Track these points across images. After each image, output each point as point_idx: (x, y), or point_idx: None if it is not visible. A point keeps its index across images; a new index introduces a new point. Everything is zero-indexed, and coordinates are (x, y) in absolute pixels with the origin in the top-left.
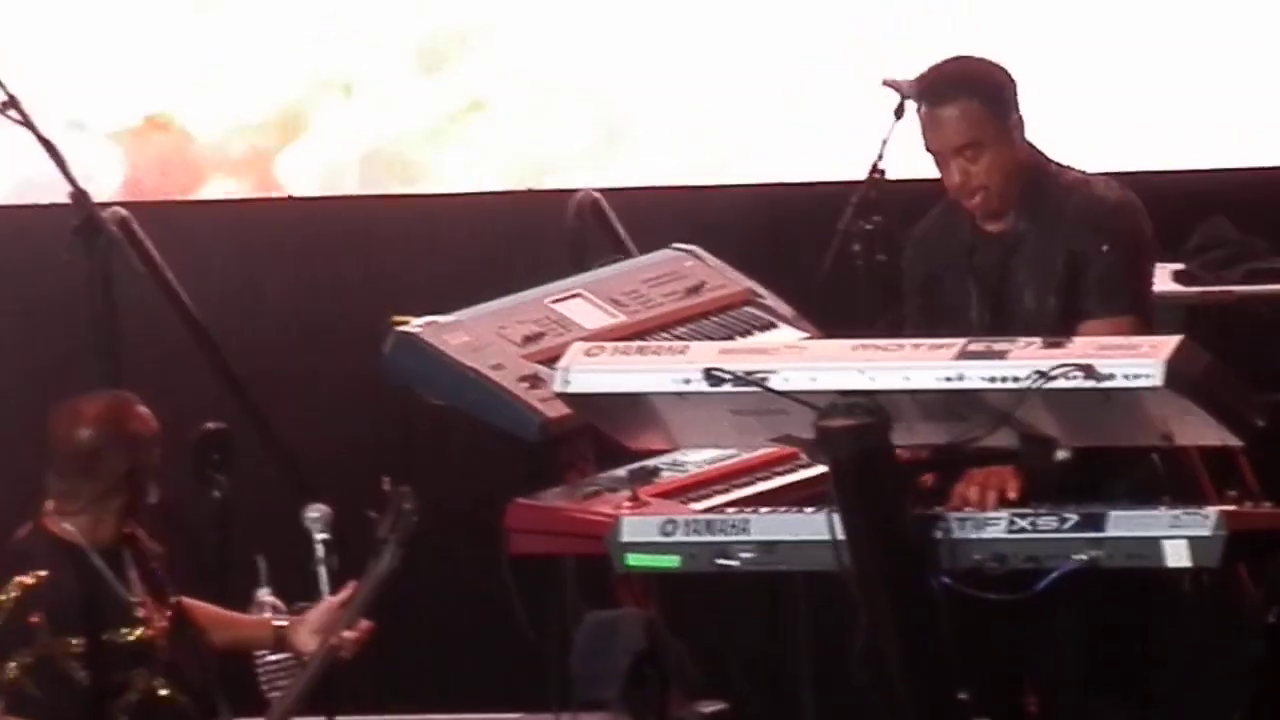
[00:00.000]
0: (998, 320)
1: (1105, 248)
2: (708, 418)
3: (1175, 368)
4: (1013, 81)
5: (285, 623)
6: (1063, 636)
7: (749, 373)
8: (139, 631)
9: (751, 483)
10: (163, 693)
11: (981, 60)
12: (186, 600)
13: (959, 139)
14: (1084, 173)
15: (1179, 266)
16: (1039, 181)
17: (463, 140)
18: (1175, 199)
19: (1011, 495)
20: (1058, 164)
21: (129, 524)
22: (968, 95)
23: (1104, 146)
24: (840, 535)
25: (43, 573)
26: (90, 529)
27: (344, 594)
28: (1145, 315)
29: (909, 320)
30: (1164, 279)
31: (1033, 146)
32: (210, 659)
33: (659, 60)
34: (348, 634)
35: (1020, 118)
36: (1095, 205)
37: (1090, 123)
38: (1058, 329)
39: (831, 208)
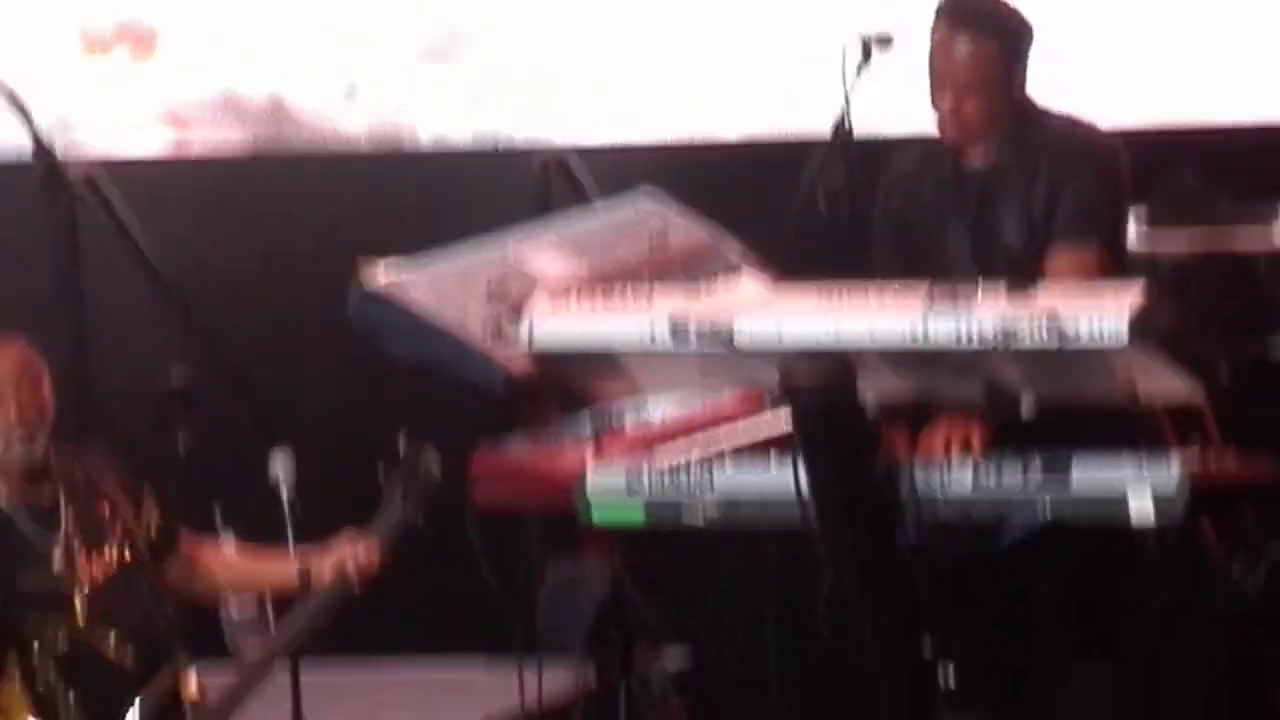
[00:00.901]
0: (977, 255)
1: (1083, 177)
2: (673, 368)
3: (1140, 323)
4: (1032, 34)
5: (310, 560)
6: (1026, 592)
7: (714, 328)
8: (54, 579)
9: (719, 430)
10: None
11: (1011, 4)
12: (192, 540)
13: (965, 75)
14: (1068, 116)
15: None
16: (1025, 122)
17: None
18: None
19: (976, 445)
20: (1044, 108)
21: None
22: (990, 34)
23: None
24: (805, 491)
25: None
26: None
27: (357, 538)
28: (1116, 249)
29: (879, 261)
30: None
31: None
32: (166, 606)
33: (624, 13)
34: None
35: (1025, 70)
36: (1079, 141)
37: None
38: (1037, 265)
39: (798, 161)
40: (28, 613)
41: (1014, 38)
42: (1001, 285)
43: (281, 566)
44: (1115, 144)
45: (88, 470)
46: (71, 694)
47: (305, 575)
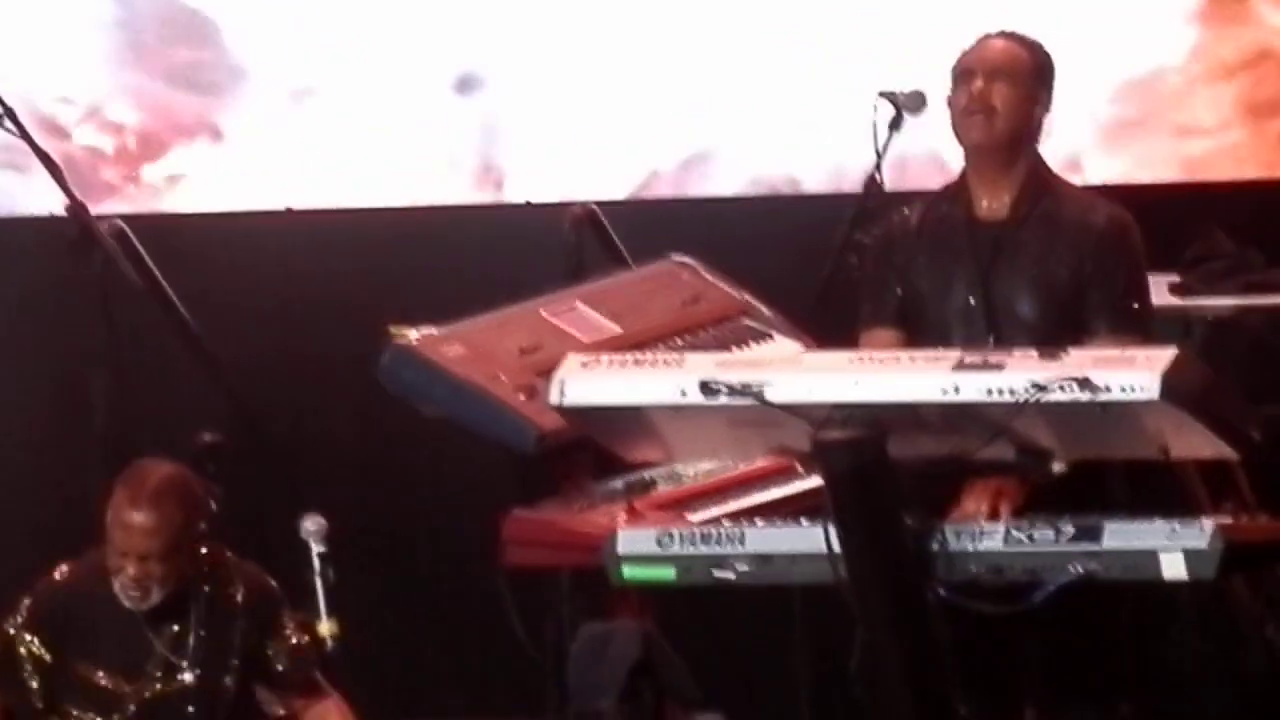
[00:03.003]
0: (988, 314)
1: (1115, 268)
2: (704, 429)
3: (1172, 380)
4: (1054, 72)
5: None
6: (1060, 648)
7: (745, 385)
8: (113, 681)
9: (748, 494)
10: None
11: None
12: (322, 690)
13: (997, 60)
14: (1080, 187)
15: (1174, 279)
16: (1040, 183)
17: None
18: (1171, 211)
19: (1009, 508)
20: (1057, 175)
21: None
22: (1023, 45)
23: (1102, 159)
24: (837, 548)
25: (62, 570)
26: None
27: None
28: (1150, 333)
29: (877, 313)
30: (1160, 291)
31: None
32: None
33: (655, 70)
34: None
35: (1047, 107)
36: (1106, 224)
37: (1087, 134)
38: (1054, 339)
39: (828, 219)
40: (79, 701)
41: (1043, 61)
42: (1027, 346)
43: None
44: (1131, 221)
45: (226, 588)
46: None
47: None
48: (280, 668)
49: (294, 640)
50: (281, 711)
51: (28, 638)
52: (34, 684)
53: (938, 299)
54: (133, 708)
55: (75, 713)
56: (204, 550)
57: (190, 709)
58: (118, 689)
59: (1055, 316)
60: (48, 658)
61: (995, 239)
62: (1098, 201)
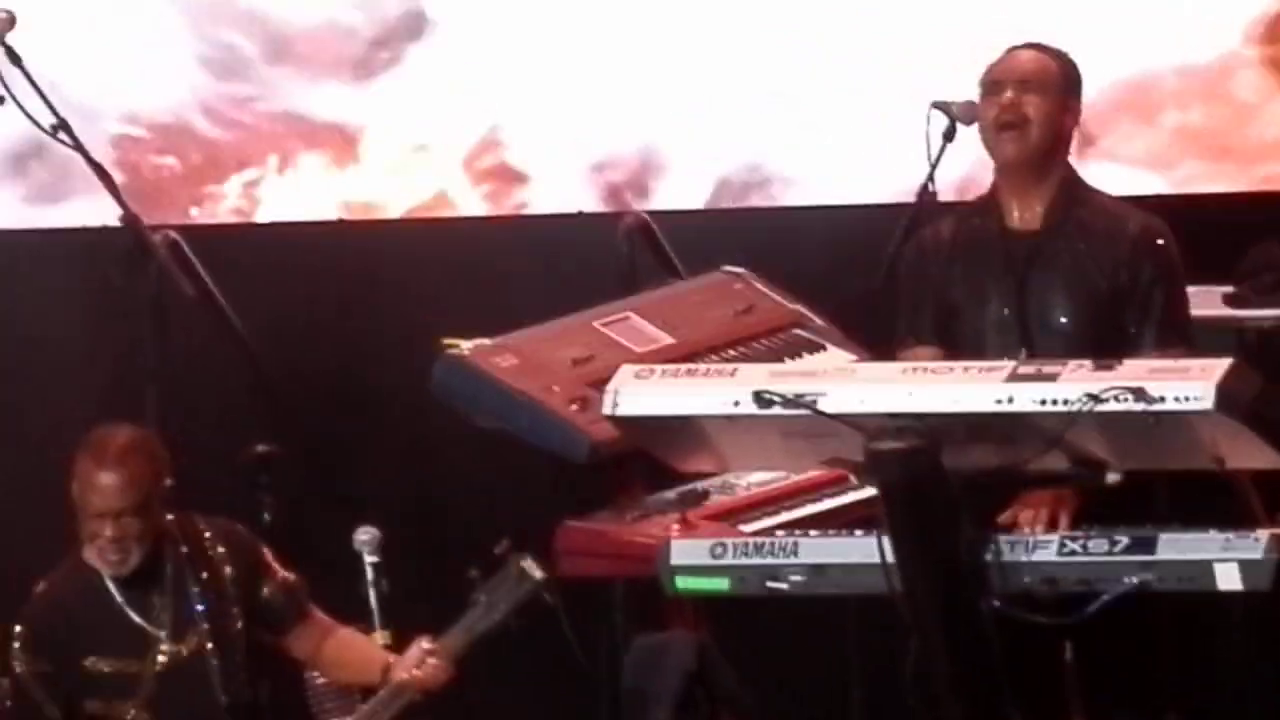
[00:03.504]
0: (1022, 323)
1: (1155, 279)
2: (757, 440)
3: (1226, 391)
4: (1082, 83)
5: (392, 660)
6: (1107, 657)
7: (798, 395)
8: (121, 664)
9: (801, 505)
10: None
11: None
12: (319, 616)
13: (1028, 69)
14: (1113, 196)
15: (1229, 289)
16: (1072, 192)
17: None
18: (1226, 222)
19: (1065, 519)
20: (1090, 185)
21: (175, 544)
22: (1052, 56)
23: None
24: (890, 558)
25: (41, 587)
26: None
27: (435, 641)
28: (1194, 341)
29: (914, 326)
30: (1214, 302)
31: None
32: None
33: (709, 81)
34: (418, 673)
35: (1077, 116)
36: (1140, 233)
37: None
38: (1091, 350)
39: (881, 230)
40: (97, 694)
41: (1072, 70)
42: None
43: (373, 656)
44: (1168, 231)
45: (201, 545)
46: None
47: (385, 671)
48: (276, 605)
49: (281, 574)
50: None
51: (34, 670)
52: (54, 712)
53: (972, 312)
54: (153, 683)
55: (99, 705)
56: (170, 516)
57: (212, 664)
58: (128, 670)
59: (1091, 326)
60: (56, 675)
61: (1028, 250)
62: (1131, 210)
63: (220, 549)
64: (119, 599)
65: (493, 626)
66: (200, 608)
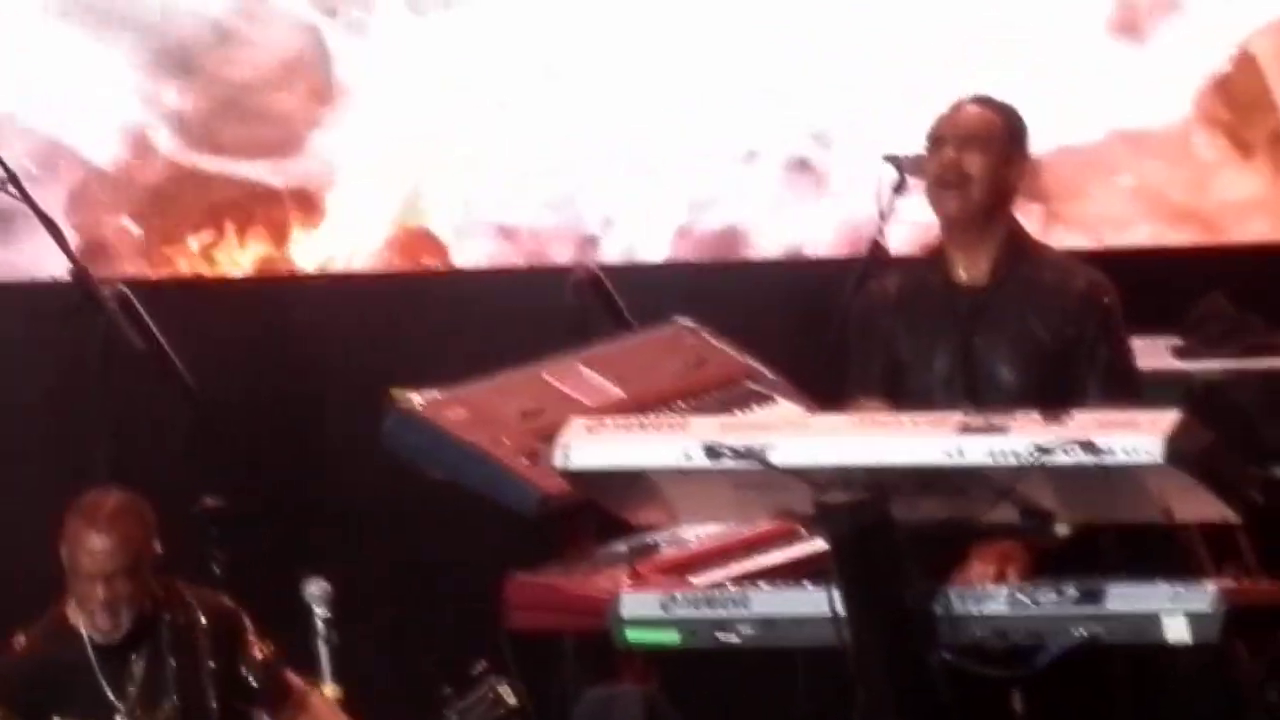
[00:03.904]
0: (968, 378)
1: (1100, 334)
2: (708, 492)
3: (1175, 444)
4: (1027, 137)
5: None
6: (1058, 709)
7: (748, 448)
8: None
9: (752, 557)
10: None
11: None
12: (299, 695)
13: (972, 128)
14: (1057, 250)
15: (1177, 341)
16: (1017, 246)
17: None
18: (1173, 275)
19: (1016, 571)
20: (1035, 239)
21: (160, 612)
22: (996, 110)
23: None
24: (840, 611)
25: (20, 640)
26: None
27: None
28: (1142, 396)
29: (862, 381)
30: (1160, 354)
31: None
32: None
33: (656, 136)
34: None
35: (1021, 170)
36: (1087, 289)
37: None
38: (1036, 405)
39: (833, 283)
40: None
41: (1017, 124)
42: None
43: None
44: (1110, 286)
45: (186, 615)
46: None
47: None
48: (255, 684)
49: (261, 653)
50: None
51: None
52: None
53: (919, 367)
54: None
55: None
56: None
57: None
58: None
59: (1036, 383)
60: None
61: (974, 306)
62: (1077, 266)
63: (203, 620)
64: (95, 663)
65: None
66: (174, 679)
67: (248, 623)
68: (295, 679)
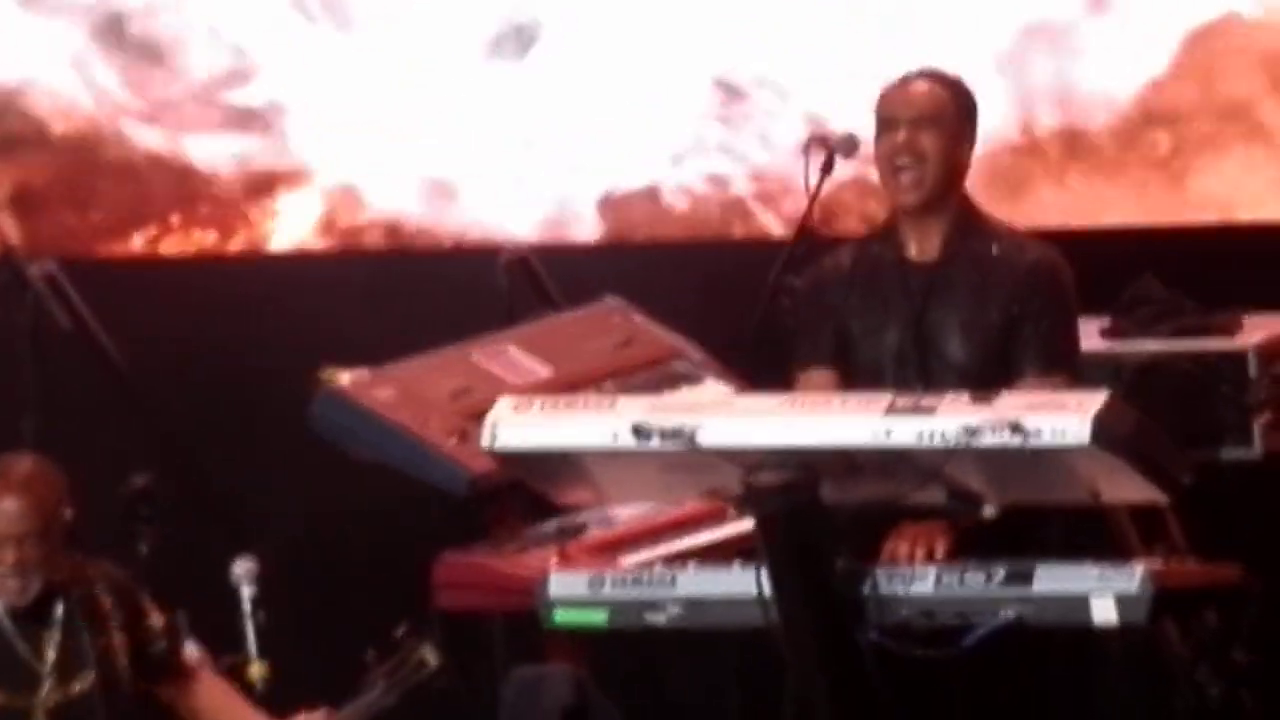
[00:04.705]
0: (919, 354)
1: (1043, 309)
2: (636, 473)
3: (1102, 425)
4: (977, 112)
5: None
6: (990, 693)
7: (676, 428)
8: (12, 698)
9: (680, 538)
10: None
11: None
12: (207, 677)
13: (921, 108)
14: (1009, 226)
15: (1106, 323)
16: (969, 222)
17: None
18: (1105, 256)
19: (941, 551)
20: (987, 214)
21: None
22: (943, 85)
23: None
24: (768, 592)
25: None
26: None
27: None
28: (1077, 373)
29: (811, 353)
30: (1091, 335)
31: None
32: None
33: (593, 118)
34: None
35: (973, 145)
36: (1034, 265)
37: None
38: (985, 381)
39: (761, 263)
40: None
41: (966, 98)
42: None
43: None
44: (1063, 262)
45: (90, 589)
46: None
47: None
48: (158, 653)
49: (161, 622)
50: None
51: None
52: None
53: (870, 341)
54: None
55: None
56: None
57: (100, 707)
58: (15, 704)
59: (986, 358)
60: None
61: (926, 282)
62: (1027, 242)
63: (107, 595)
64: (10, 631)
65: (385, 708)
66: (89, 650)
67: (145, 597)
68: (191, 650)
